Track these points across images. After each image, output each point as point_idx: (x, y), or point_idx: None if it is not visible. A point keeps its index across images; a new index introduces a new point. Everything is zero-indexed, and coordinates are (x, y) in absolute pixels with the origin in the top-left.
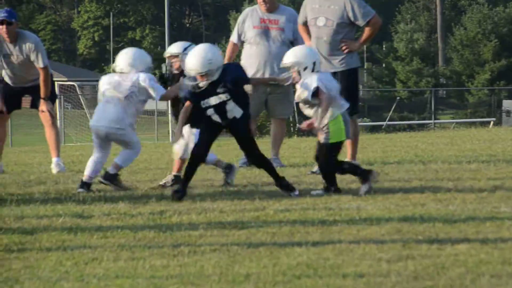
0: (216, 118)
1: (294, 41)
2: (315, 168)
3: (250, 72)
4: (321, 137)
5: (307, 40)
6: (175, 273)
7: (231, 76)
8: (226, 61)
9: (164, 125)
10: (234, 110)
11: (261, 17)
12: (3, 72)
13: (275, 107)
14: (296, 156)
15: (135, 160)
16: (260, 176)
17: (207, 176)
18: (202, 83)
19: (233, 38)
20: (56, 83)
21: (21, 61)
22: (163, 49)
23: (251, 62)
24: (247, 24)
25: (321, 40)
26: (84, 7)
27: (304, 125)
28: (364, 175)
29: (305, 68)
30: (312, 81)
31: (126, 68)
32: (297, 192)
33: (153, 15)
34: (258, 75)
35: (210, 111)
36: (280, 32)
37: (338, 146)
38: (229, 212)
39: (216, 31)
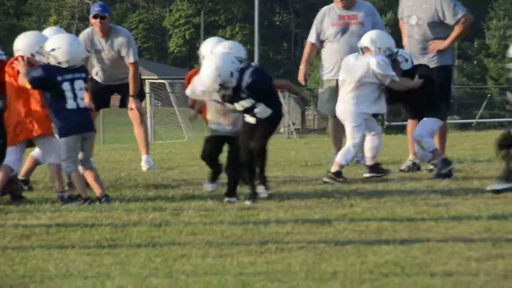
0: (250, 119)
1: None
2: (403, 166)
3: (332, 69)
4: None
5: (404, 36)
6: (262, 270)
7: (246, 83)
8: (304, 62)
9: None
10: (263, 112)
11: (339, 14)
12: (93, 70)
13: None
14: (385, 154)
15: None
16: (347, 174)
17: (295, 173)
18: (227, 92)
19: (311, 38)
20: (146, 81)
21: (111, 57)
22: (253, 47)
23: (333, 60)
24: (325, 22)
25: (413, 38)
26: (176, 6)
27: None
28: None
29: None
30: None
31: None
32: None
33: (243, 13)
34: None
35: (244, 114)
36: (360, 26)
37: None
38: (316, 209)
39: (306, 28)
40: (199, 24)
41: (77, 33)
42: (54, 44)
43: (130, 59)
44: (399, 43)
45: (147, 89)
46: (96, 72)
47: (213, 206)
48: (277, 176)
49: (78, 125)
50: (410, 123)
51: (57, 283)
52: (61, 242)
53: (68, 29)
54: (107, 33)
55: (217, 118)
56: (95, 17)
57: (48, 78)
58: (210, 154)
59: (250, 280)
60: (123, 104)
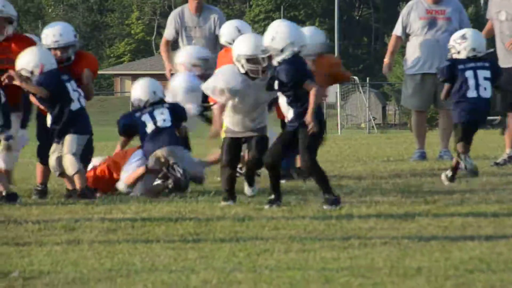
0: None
1: None
2: (500, 159)
3: (417, 64)
4: None
5: (485, 34)
6: (346, 266)
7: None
8: (389, 55)
9: (333, 117)
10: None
11: (427, 8)
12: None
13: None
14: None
15: None
16: (429, 168)
17: (377, 168)
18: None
19: (397, 31)
20: None
21: (203, 35)
22: (333, 42)
23: (418, 54)
24: (412, 16)
25: (504, 34)
26: (256, 1)
27: None
28: None
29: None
30: None
31: None
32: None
33: (323, 8)
34: (426, 66)
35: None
36: (447, 22)
37: None
38: (399, 205)
39: (386, 23)
40: (279, 19)
41: (159, 29)
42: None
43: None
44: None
45: None
46: None
47: (295, 201)
48: (359, 171)
49: None
50: (510, 117)
51: (143, 277)
52: (146, 236)
53: (150, 25)
54: (201, 10)
55: (237, 120)
56: None
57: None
58: (231, 161)
59: (333, 276)
60: None
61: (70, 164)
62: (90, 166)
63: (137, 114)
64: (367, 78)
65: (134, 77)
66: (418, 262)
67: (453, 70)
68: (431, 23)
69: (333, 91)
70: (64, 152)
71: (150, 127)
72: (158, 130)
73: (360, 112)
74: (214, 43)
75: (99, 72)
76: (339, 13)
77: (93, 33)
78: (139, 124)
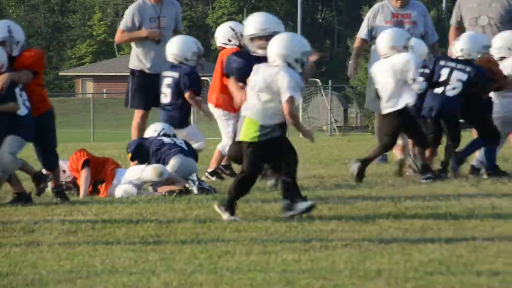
0: None
1: (424, 35)
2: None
3: None
4: None
5: (452, 42)
6: (307, 268)
7: None
8: (354, 58)
9: None
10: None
11: (393, 11)
12: (138, 56)
13: None
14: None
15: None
16: (391, 171)
17: (338, 171)
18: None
19: (362, 34)
20: None
21: (167, 25)
22: None
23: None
24: (378, 19)
25: None
26: (219, 3)
27: None
28: None
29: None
30: None
31: None
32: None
33: (286, 10)
34: None
35: None
36: (413, 25)
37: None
38: (360, 207)
39: (349, 26)
40: (242, 21)
41: None
42: None
43: (180, 27)
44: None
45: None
46: (145, 56)
47: (256, 203)
48: (320, 174)
49: None
50: None
51: (103, 279)
52: (106, 238)
53: (112, 27)
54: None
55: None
56: None
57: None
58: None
59: (295, 278)
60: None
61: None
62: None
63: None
64: (329, 81)
65: (96, 78)
66: (379, 264)
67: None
68: (398, 27)
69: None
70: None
71: (167, 141)
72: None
73: (322, 114)
74: (172, 35)
75: (61, 73)
76: (302, 16)
77: (54, 34)
78: (154, 142)
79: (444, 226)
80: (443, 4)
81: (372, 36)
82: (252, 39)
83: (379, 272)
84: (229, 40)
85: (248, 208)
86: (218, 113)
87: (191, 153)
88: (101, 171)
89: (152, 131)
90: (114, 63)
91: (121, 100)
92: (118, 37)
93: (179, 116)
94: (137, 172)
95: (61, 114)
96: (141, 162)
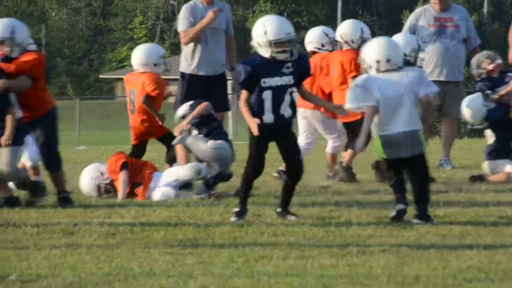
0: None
1: (467, 39)
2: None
3: (427, 71)
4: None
5: None
6: (344, 273)
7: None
8: None
9: None
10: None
11: (435, 15)
12: (187, 58)
13: (448, 107)
14: (468, 158)
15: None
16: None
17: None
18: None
19: None
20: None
21: (219, 28)
22: None
23: (429, 61)
24: (421, 23)
25: None
26: (259, 7)
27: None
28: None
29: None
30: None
31: None
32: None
33: (326, 15)
34: (436, 73)
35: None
36: (456, 29)
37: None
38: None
39: (389, 30)
40: None
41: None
42: None
43: (231, 30)
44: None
45: (229, 89)
46: (197, 58)
47: (294, 208)
48: (360, 178)
49: None
50: None
51: (140, 282)
52: (144, 241)
53: (153, 30)
54: (212, 2)
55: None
56: None
57: None
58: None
59: (332, 283)
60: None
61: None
62: (97, 173)
63: None
64: None
65: None
66: (416, 270)
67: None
68: (440, 31)
69: None
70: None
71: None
72: None
73: None
74: (224, 37)
75: (101, 76)
76: (342, 20)
77: (96, 37)
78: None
79: (483, 233)
80: (485, 9)
81: None
82: (276, 43)
83: (417, 278)
84: (323, 45)
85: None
86: (318, 115)
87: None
88: (138, 174)
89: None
90: None
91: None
92: (184, 38)
93: None
94: (174, 174)
95: (101, 117)
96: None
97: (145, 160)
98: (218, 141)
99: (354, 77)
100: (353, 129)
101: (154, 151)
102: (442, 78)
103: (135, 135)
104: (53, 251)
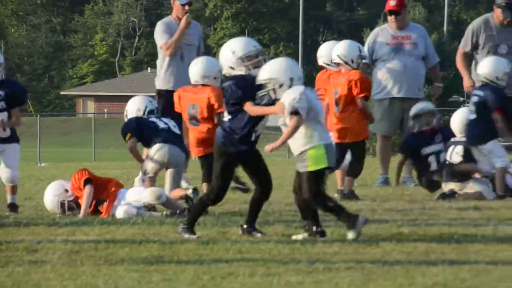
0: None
1: (425, 57)
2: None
3: (384, 89)
4: (299, 165)
5: (463, 69)
6: None
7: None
8: None
9: None
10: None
11: (393, 34)
12: (163, 75)
13: (408, 124)
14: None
15: None
16: (394, 194)
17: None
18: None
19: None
20: None
21: (193, 44)
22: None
23: (387, 78)
24: (378, 42)
25: None
26: (220, 24)
27: (268, 148)
28: (347, 220)
29: (281, 85)
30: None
31: None
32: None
33: (287, 32)
34: (395, 91)
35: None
36: (413, 46)
37: (319, 174)
38: (363, 230)
39: None
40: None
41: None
42: None
43: (202, 48)
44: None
45: None
46: (173, 75)
47: (258, 225)
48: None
49: None
50: None
51: None
52: (110, 258)
53: (114, 47)
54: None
55: None
56: (188, 4)
57: None
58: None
59: None
60: None
61: None
62: (60, 190)
63: (144, 117)
64: None
65: (97, 98)
66: (382, 287)
67: None
68: (398, 49)
69: None
70: None
71: (162, 126)
72: (171, 132)
73: None
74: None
75: (62, 93)
76: (303, 38)
77: (56, 53)
78: (149, 124)
79: (448, 250)
80: (444, 28)
81: (373, 59)
82: (248, 57)
83: None
84: (332, 62)
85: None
86: None
87: (177, 139)
88: (103, 191)
89: (136, 110)
90: (115, 83)
91: (122, 120)
92: (167, 50)
93: None
94: (136, 194)
95: (62, 134)
96: (143, 142)
97: (109, 177)
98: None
99: (364, 97)
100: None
101: (121, 168)
102: (401, 95)
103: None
104: (16, 268)
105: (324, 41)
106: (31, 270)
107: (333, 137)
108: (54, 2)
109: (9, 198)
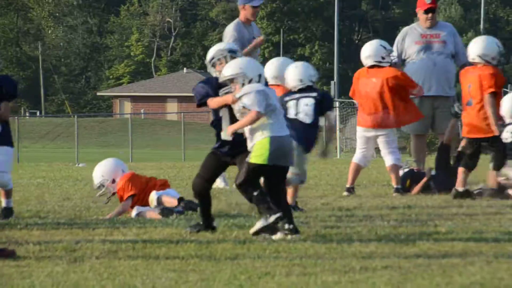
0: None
1: (455, 55)
2: (480, 185)
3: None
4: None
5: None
6: None
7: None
8: None
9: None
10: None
11: (421, 32)
12: None
13: (439, 122)
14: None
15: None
16: (427, 197)
17: (377, 192)
18: None
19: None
20: None
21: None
22: (332, 65)
23: (417, 77)
24: (407, 41)
25: None
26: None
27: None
28: (264, 213)
29: (250, 81)
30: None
31: None
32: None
33: (322, 31)
34: (425, 89)
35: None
36: (443, 45)
37: (255, 169)
38: (400, 229)
39: None
40: (278, 42)
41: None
42: None
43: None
44: None
45: None
46: None
47: (296, 224)
48: (359, 195)
49: None
50: None
51: None
52: (147, 258)
53: (149, 47)
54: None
55: None
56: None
57: None
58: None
59: None
60: None
61: None
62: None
63: None
64: None
65: (133, 98)
66: (419, 287)
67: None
68: (427, 47)
69: (332, 114)
70: None
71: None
72: None
73: None
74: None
75: (99, 93)
76: (339, 37)
77: (92, 54)
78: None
79: (485, 249)
80: (481, 26)
81: (402, 59)
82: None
83: None
84: (383, 58)
85: (287, 230)
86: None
87: None
88: (142, 200)
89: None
90: (151, 84)
91: (158, 120)
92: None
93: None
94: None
95: (99, 134)
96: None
97: (159, 180)
98: None
99: (492, 93)
100: None
101: (156, 168)
102: (431, 93)
103: None
104: (55, 268)
105: (359, 40)
106: (70, 270)
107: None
108: (90, 3)
109: (3, 202)
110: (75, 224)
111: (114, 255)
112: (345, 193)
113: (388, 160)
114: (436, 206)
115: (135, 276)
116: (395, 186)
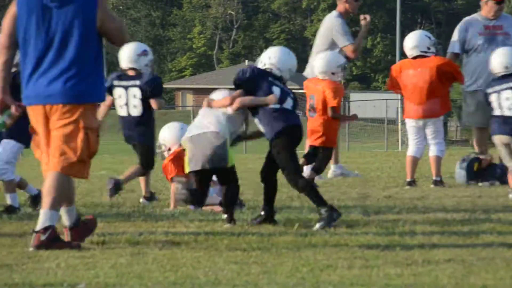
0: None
1: None
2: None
3: (477, 80)
4: None
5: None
6: (409, 282)
7: None
8: None
9: (394, 133)
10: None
11: (484, 24)
12: None
13: None
14: None
15: (368, 168)
16: (491, 189)
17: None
18: None
19: (454, 48)
20: None
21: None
22: (394, 57)
23: (481, 70)
24: (470, 32)
25: None
26: (317, 16)
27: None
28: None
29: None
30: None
31: None
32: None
33: (384, 23)
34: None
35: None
36: (506, 37)
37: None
38: (463, 222)
39: (448, 38)
40: None
41: (220, 43)
42: None
43: None
44: None
45: None
46: None
47: (357, 217)
48: (422, 187)
49: None
50: None
51: None
52: (209, 250)
53: (211, 39)
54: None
55: None
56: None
57: None
58: None
59: None
60: None
61: None
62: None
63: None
64: None
65: (196, 91)
66: (483, 280)
67: None
68: (491, 39)
69: (394, 107)
70: None
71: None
72: None
73: None
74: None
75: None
76: (401, 28)
77: (155, 47)
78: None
79: None
80: None
81: (464, 50)
82: None
83: None
84: (428, 48)
85: (349, 221)
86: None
87: None
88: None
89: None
90: (213, 76)
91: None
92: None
93: None
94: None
95: (162, 126)
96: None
97: None
98: None
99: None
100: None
101: None
102: None
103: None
104: (119, 260)
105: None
106: (133, 262)
107: None
108: None
109: (5, 197)
110: (138, 216)
111: (176, 247)
112: (407, 187)
113: (433, 150)
114: (501, 196)
115: (197, 268)
116: (433, 178)
